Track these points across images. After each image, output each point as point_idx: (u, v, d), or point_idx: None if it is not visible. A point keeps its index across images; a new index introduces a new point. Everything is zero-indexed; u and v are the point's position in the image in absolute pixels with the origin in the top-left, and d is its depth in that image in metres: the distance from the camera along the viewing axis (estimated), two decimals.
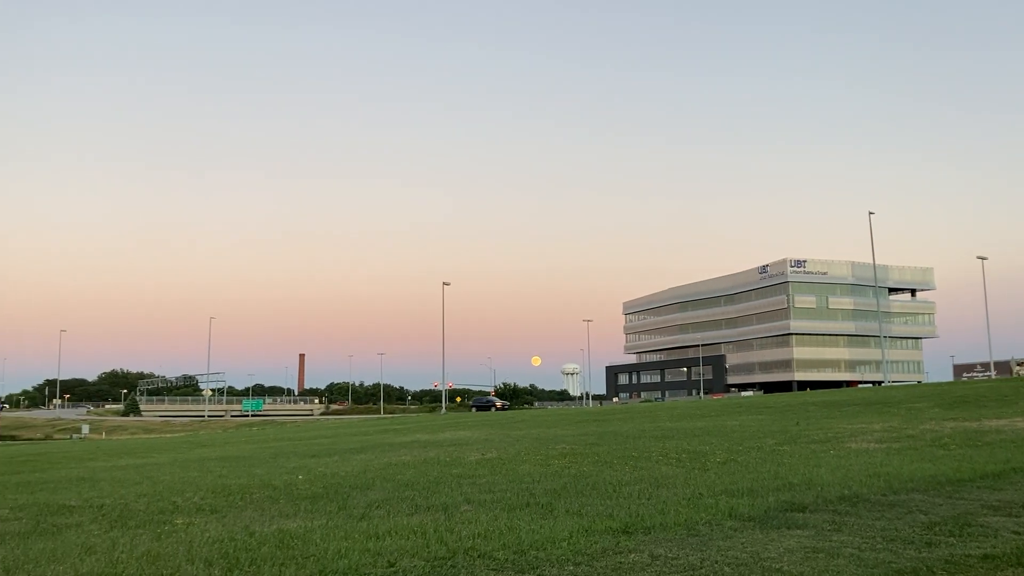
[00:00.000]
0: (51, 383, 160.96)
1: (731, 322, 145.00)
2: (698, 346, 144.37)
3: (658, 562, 5.95)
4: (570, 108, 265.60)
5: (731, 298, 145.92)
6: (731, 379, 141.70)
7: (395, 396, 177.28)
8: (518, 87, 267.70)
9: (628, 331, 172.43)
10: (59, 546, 7.46)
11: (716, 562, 5.92)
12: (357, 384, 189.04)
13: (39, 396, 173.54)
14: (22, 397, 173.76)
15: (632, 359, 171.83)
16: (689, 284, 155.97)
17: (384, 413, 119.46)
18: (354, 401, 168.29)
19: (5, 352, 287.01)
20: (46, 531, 8.61)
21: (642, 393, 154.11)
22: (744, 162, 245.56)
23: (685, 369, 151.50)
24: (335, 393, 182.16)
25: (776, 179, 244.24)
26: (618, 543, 6.58)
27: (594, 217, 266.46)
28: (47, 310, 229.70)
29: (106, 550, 7.06)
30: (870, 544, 6.37)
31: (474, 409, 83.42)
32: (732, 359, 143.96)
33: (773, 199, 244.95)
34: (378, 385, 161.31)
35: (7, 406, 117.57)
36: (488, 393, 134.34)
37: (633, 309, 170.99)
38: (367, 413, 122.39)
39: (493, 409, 79.50)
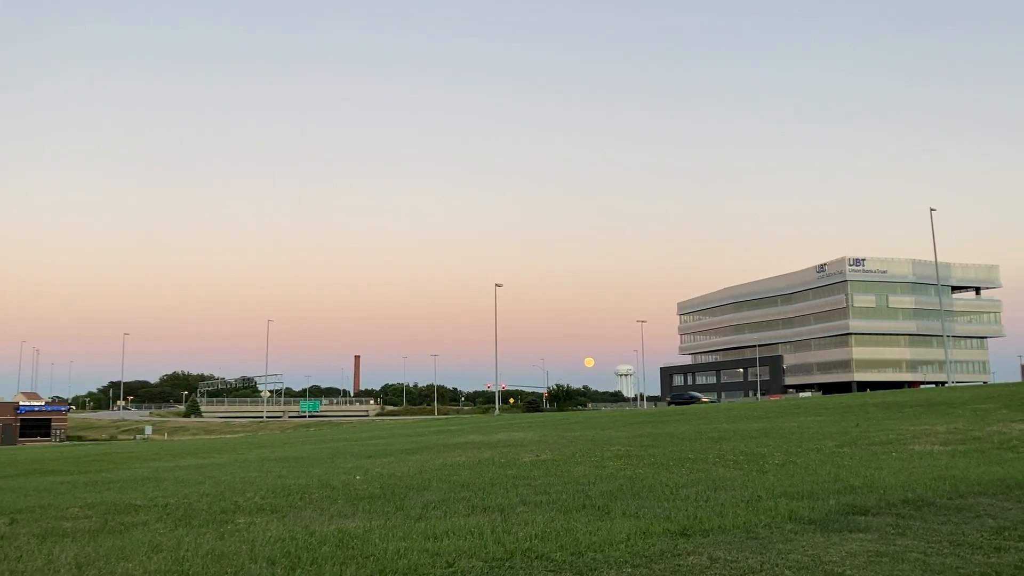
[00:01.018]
0: (115, 385, 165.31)
1: (788, 322, 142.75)
2: (754, 346, 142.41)
3: (717, 565, 5.90)
4: (622, 110, 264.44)
5: (788, 298, 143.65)
6: (788, 380, 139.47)
7: (448, 397, 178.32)
8: (571, 90, 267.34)
9: (683, 332, 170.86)
10: (127, 544, 7.66)
11: (776, 565, 5.84)
12: (411, 385, 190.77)
13: (104, 398, 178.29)
14: (87, 399, 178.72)
15: (687, 360, 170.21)
16: (744, 284, 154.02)
17: (438, 414, 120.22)
18: (408, 402, 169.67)
19: (72, 355, 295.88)
20: (114, 529, 8.85)
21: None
22: (800, 160, 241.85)
23: (741, 370, 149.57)
24: (390, 394, 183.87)
25: (833, 177, 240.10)
26: (676, 545, 6.54)
27: (648, 217, 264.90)
28: (111, 314, 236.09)
29: (172, 548, 7.23)
30: (936, 549, 6.22)
31: (672, 404, 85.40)
32: (789, 359, 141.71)
33: (830, 197, 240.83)
34: (432, 386, 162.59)
35: (73, 407, 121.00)
36: (541, 394, 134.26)
37: (688, 309, 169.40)
38: (421, 414, 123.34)
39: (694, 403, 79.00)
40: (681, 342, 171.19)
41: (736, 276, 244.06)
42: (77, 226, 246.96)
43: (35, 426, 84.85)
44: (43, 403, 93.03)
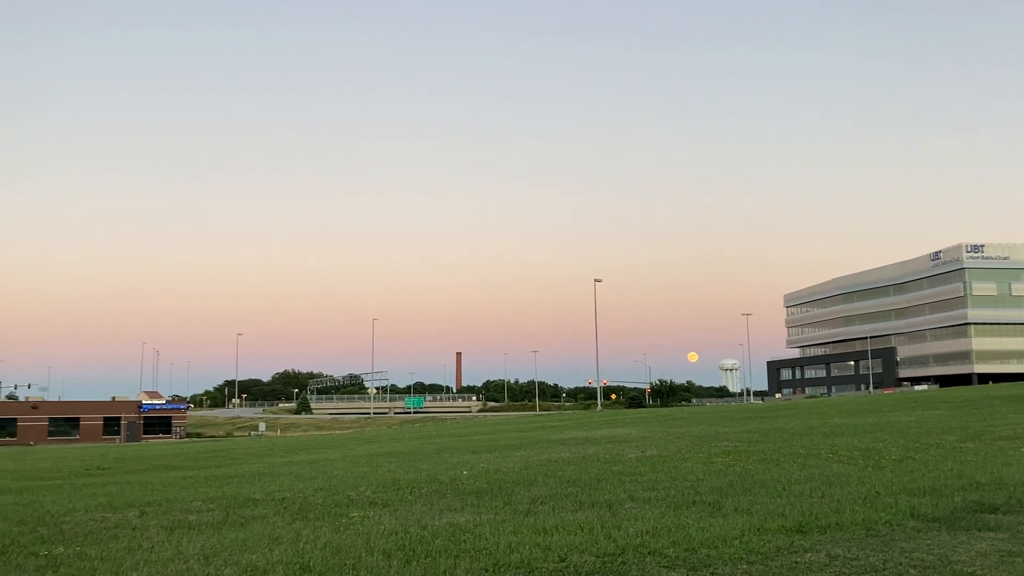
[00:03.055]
0: (230, 384, 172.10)
1: (901, 312, 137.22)
2: (866, 338, 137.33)
3: (836, 562, 5.73)
4: (720, 100, 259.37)
5: (900, 287, 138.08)
6: (902, 372, 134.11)
7: (549, 393, 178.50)
8: (667, 85, 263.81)
9: (790, 324, 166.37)
10: (249, 536, 7.97)
11: (900, 564, 5.64)
12: (512, 382, 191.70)
13: (219, 396, 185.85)
14: (204, 397, 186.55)
15: (795, 353, 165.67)
16: (854, 274, 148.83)
17: (539, 410, 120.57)
18: (509, 398, 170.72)
19: (189, 355, 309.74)
20: (235, 522, 9.20)
21: (806, 388, 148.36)
22: (910, 143, 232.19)
23: (852, 363, 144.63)
24: (491, 390, 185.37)
25: (946, 160, 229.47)
26: (792, 542, 6.38)
27: (752, 208, 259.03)
28: (225, 315, 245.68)
29: (291, 541, 7.48)
30: None
31: None
32: (903, 351, 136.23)
33: (943, 182, 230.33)
34: (532, 382, 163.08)
35: (192, 406, 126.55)
36: (643, 390, 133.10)
37: (795, 301, 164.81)
38: (522, 410, 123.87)
39: None
40: (789, 335, 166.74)
41: (845, 266, 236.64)
42: (193, 233, 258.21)
43: (157, 424, 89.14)
44: (164, 402, 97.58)
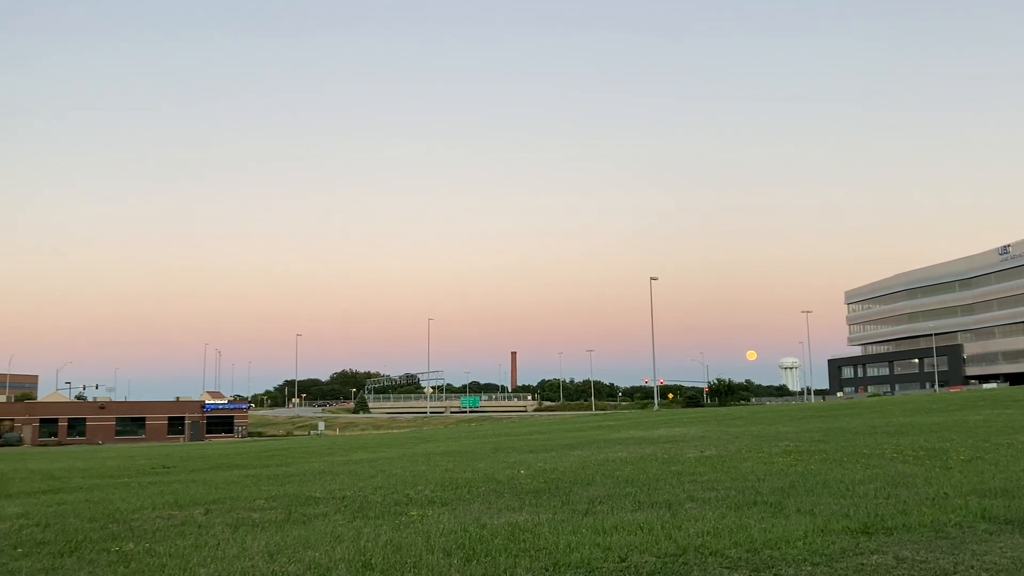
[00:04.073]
0: (290, 383, 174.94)
1: (968, 308, 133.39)
2: (930, 335, 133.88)
3: (904, 565, 5.60)
4: (780, 94, 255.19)
5: (967, 282, 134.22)
6: (969, 370, 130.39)
7: (605, 393, 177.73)
8: (725, 80, 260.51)
9: (851, 322, 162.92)
10: (311, 534, 8.09)
11: (971, 567, 5.48)
12: (567, 381, 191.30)
13: (279, 396, 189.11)
14: (265, 397, 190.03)
15: (856, 351, 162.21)
16: (918, 269, 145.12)
17: (595, 409, 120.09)
18: (565, 397, 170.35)
19: (250, 356, 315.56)
20: (297, 520, 9.34)
21: (869, 387, 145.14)
22: (977, 134, 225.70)
23: (916, 360, 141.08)
24: (546, 390, 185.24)
25: (1014, 151, 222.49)
26: (858, 544, 6.25)
27: (810, 204, 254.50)
28: (285, 317, 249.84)
29: (352, 539, 7.57)
30: None
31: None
32: (970, 349, 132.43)
33: (1011, 173, 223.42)
34: (588, 382, 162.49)
35: (253, 405, 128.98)
36: (701, 389, 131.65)
37: (856, 298, 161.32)
38: (578, 409, 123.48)
39: None
40: (850, 332, 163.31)
41: (908, 261, 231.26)
42: (254, 238, 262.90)
43: (219, 423, 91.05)
44: (226, 401, 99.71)
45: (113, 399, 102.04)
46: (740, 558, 5.95)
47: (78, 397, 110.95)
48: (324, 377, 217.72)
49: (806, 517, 7.51)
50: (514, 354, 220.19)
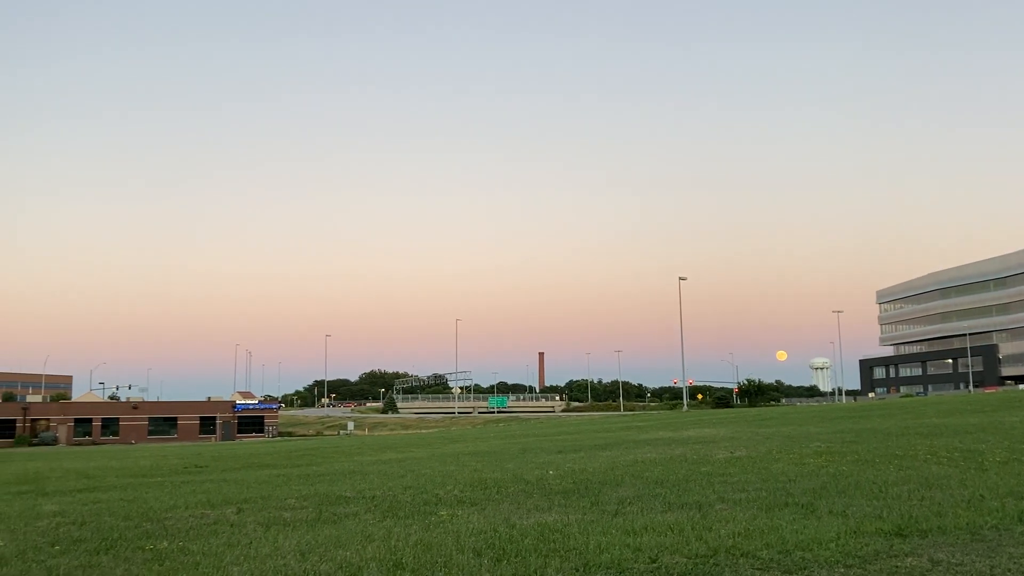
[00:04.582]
0: (319, 384, 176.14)
1: (1003, 308, 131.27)
2: (964, 335, 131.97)
3: (939, 567, 5.53)
4: (809, 95, 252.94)
5: (1002, 282, 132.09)
6: (1005, 371, 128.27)
7: (634, 393, 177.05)
8: (752, 80, 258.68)
9: (883, 321, 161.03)
10: (342, 533, 8.14)
11: (1008, 570, 5.41)
12: (595, 381, 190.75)
13: (309, 396, 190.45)
14: (295, 397, 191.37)
15: (888, 351, 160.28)
16: (951, 268, 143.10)
17: (623, 410, 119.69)
18: (593, 398, 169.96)
19: (280, 356, 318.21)
20: (328, 519, 9.41)
21: (901, 388, 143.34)
22: (1010, 129, 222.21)
23: (950, 361, 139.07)
24: (574, 390, 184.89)
25: None
26: (891, 546, 6.18)
27: (842, 203, 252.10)
28: (314, 318, 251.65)
29: (383, 538, 7.61)
30: None
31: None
32: (1006, 349, 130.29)
33: None
34: (616, 382, 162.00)
35: (283, 405, 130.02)
36: (731, 390, 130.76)
37: (888, 298, 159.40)
38: (606, 410, 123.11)
39: None
40: (882, 332, 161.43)
41: (941, 260, 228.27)
42: (284, 239, 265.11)
43: (250, 423, 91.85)
44: (256, 402, 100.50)
45: (146, 399, 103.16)
46: (772, 559, 5.90)
47: (111, 397, 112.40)
48: (353, 377, 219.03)
49: (838, 519, 7.44)
50: (542, 354, 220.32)
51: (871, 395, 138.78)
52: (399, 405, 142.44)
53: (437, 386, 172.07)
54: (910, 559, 5.77)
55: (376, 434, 76.37)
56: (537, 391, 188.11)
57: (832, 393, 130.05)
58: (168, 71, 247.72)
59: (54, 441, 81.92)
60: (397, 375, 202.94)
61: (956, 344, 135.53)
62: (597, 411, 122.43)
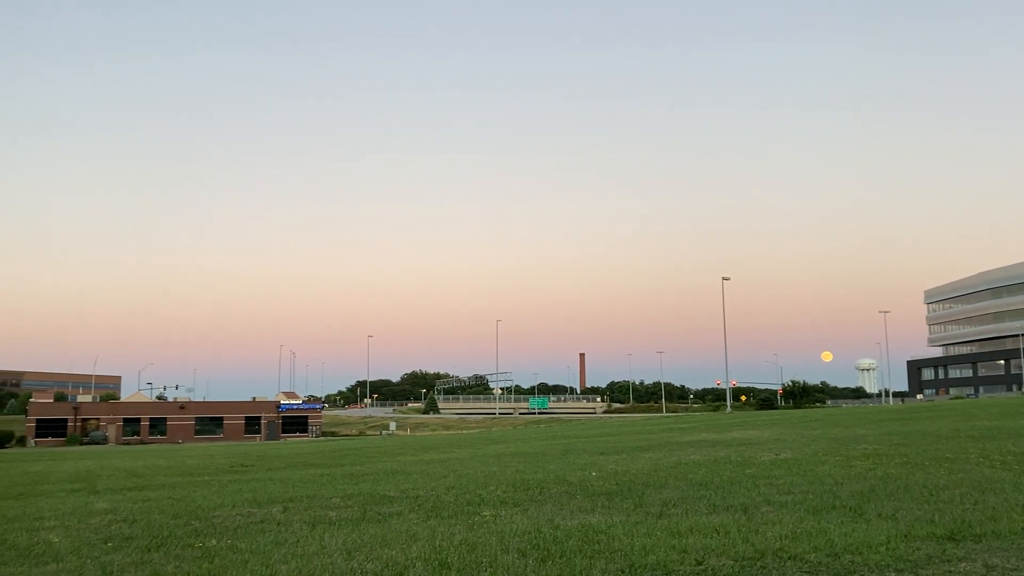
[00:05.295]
0: (361, 384, 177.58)
1: None
2: (1017, 336, 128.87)
3: (994, 573, 5.42)
4: (857, 93, 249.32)
5: None
6: None
7: (676, 395, 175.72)
8: (801, 80, 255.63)
9: (931, 322, 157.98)
10: (387, 532, 8.20)
11: None
12: (637, 383, 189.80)
13: (352, 396, 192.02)
14: (338, 397, 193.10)
15: (937, 352, 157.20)
16: (1003, 267, 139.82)
17: (666, 412, 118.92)
18: (635, 399, 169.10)
19: (323, 357, 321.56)
20: (373, 518, 9.48)
21: (951, 389, 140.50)
22: None
23: (1002, 362, 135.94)
24: (615, 391, 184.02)
25: None
26: (944, 551, 6.06)
27: (888, 200, 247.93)
28: (357, 318, 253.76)
29: (427, 538, 7.65)
30: None
31: None
32: None
33: None
34: (658, 383, 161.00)
35: (326, 405, 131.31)
36: (775, 391, 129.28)
37: (937, 297, 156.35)
38: (648, 412, 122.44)
39: None
40: (930, 333, 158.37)
41: (991, 259, 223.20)
42: (328, 240, 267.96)
43: (294, 423, 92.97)
44: (300, 402, 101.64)
45: (192, 399, 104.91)
46: (820, 563, 5.83)
47: (159, 397, 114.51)
48: (395, 378, 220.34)
49: (888, 522, 7.32)
50: (582, 355, 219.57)
51: (919, 397, 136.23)
52: (440, 406, 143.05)
53: (478, 387, 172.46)
54: (963, 564, 5.66)
55: (418, 434, 76.78)
56: (578, 392, 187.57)
57: (879, 395, 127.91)
58: (214, 75, 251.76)
59: (104, 440, 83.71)
60: (438, 376, 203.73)
61: (1009, 345, 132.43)
62: (639, 412, 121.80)
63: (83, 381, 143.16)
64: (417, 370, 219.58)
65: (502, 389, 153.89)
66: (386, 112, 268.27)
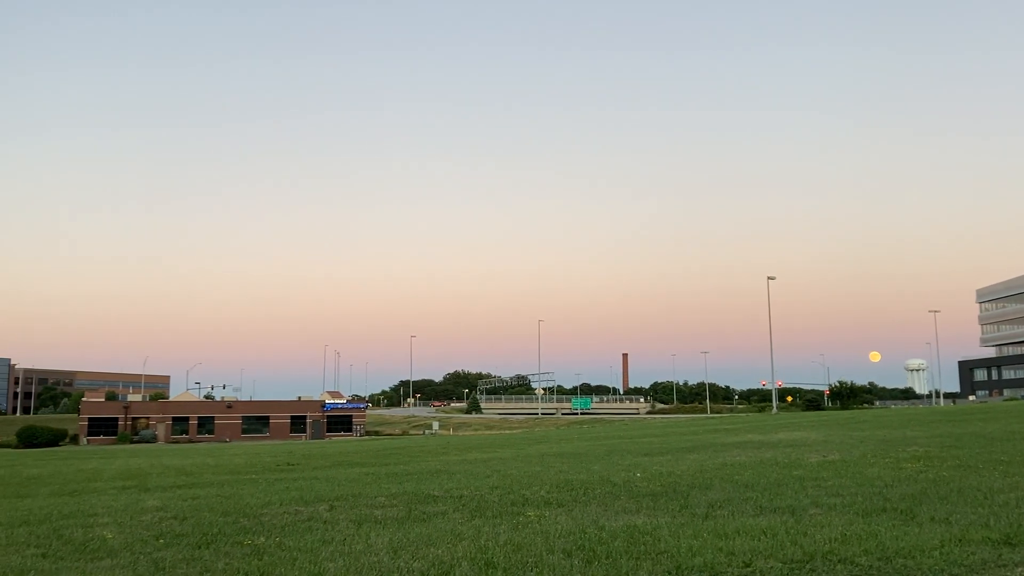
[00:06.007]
0: (404, 384, 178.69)
1: None
2: None
3: None
4: (898, 94, 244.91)
5: None
6: None
7: (720, 395, 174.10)
8: (846, 78, 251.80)
9: (984, 321, 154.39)
10: (432, 531, 8.24)
11: None
12: (681, 383, 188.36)
13: (395, 396, 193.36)
14: (381, 397, 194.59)
15: (990, 352, 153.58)
16: None
17: (710, 412, 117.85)
18: (678, 400, 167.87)
19: (367, 356, 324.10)
20: (418, 518, 9.53)
21: (1005, 391, 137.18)
22: None
23: None
24: (659, 392, 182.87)
25: None
26: (1000, 555, 5.93)
27: (938, 196, 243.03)
28: (400, 319, 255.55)
29: (472, 537, 7.67)
30: None
31: None
32: None
33: None
34: (703, 384, 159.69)
35: (370, 405, 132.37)
36: (822, 392, 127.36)
37: (989, 296, 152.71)
38: (692, 412, 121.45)
39: None
40: (983, 333, 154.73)
41: None
42: (372, 243, 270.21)
43: (339, 422, 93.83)
44: (344, 401, 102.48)
45: (239, 399, 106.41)
46: (871, 566, 5.73)
47: (207, 397, 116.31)
48: (437, 378, 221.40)
49: (941, 526, 7.17)
50: (625, 355, 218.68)
51: (971, 398, 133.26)
52: (483, 405, 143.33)
53: (520, 387, 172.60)
54: (1020, 569, 5.52)
55: (460, 434, 77.03)
56: (621, 393, 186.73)
57: (929, 396, 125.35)
58: (257, 81, 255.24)
59: (153, 439, 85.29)
60: (480, 376, 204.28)
61: None
62: (683, 413, 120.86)
63: (133, 381, 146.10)
64: (459, 370, 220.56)
65: (544, 389, 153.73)
66: (428, 114, 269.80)
